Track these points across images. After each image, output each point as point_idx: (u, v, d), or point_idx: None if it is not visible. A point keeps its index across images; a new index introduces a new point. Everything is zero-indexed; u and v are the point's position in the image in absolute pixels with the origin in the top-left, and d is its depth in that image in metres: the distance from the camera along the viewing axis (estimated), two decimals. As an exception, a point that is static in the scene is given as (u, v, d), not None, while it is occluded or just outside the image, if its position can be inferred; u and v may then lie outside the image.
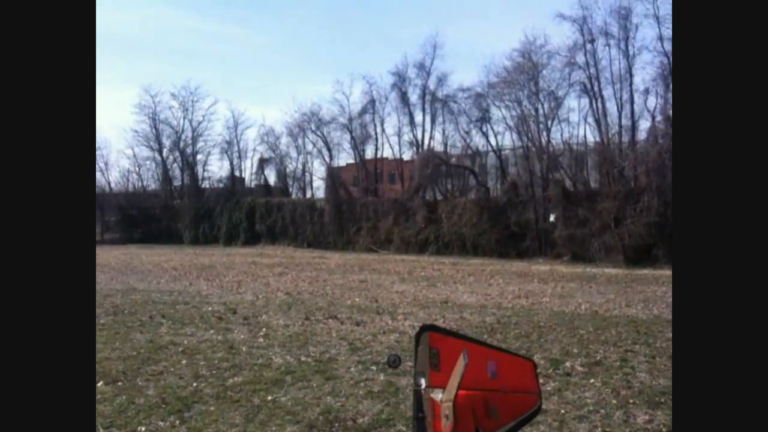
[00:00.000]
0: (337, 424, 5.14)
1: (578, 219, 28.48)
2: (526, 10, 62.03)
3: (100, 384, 6.33)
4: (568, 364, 7.19)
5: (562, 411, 5.43)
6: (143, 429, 5.09)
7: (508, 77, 34.13)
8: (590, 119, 32.52)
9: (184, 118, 49.28)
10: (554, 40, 32.80)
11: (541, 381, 6.33)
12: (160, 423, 5.21)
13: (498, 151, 36.39)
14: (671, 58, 25.69)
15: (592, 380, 6.47)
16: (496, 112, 35.95)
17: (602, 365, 7.16)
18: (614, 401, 5.73)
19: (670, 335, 9.18)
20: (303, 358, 7.49)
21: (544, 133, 33.19)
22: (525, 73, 33.07)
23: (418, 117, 40.16)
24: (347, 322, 10.13)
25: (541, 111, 33.19)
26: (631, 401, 5.72)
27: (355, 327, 9.73)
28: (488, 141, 36.67)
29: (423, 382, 2.33)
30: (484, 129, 36.54)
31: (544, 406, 5.53)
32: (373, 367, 7.05)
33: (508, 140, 36.57)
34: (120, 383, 6.40)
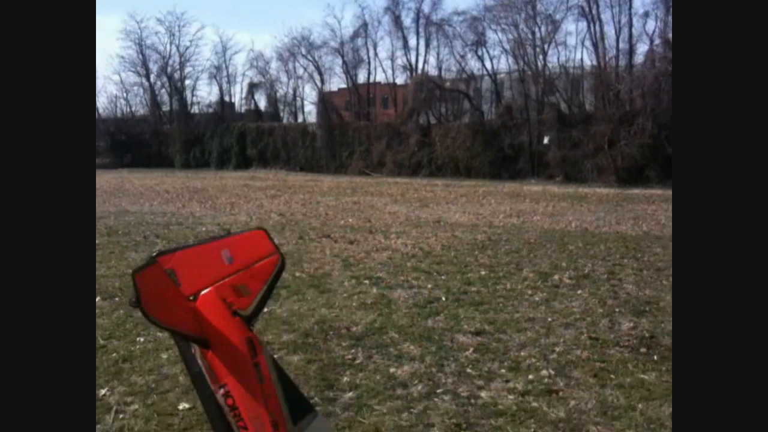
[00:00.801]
0: (331, 332, 5.28)
1: (572, 141, 28.44)
2: None
3: (98, 299, 6.44)
4: (556, 277, 7.35)
5: (549, 319, 5.59)
6: (142, 339, 5.22)
7: (505, 0, 33.18)
8: (588, 43, 32.03)
9: (171, 44, 48.11)
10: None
11: (529, 292, 6.57)
12: (159, 334, 5.33)
13: (493, 74, 35.80)
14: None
15: (579, 291, 6.64)
16: (492, 36, 35.38)
17: (590, 278, 7.33)
18: (600, 310, 5.90)
19: (658, 250, 9.37)
20: (297, 274, 7.61)
21: (541, 57, 32.67)
22: (522, -5, 32.20)
23: (412, 41, 39.42)
24: (340, 241, 10.24)
25: (538, 34, 32.63)
26: (616, 310, 5.90)
27: (348, 245, 9.85)
28: (483, 65, 36.09)
29: None
30: (480, 53, 35.92)
31: (531, 315, 5.75)
32: (366, 281, 7.19)
33: (503, 64, 36.04)
34: (117, 298, 6.51)
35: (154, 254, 2.19)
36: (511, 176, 29.60)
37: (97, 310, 6.04)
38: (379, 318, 5.72)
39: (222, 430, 2.11)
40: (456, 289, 6.78)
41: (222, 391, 2.09)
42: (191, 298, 2.14)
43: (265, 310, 6.02)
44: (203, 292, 2.15)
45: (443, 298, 6.39)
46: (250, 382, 2.13)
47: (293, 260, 8.54)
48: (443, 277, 7.40)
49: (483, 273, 7.64)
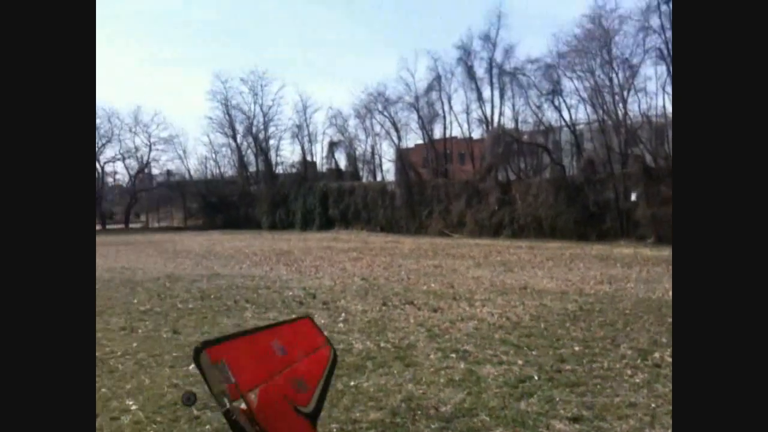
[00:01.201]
0: (419, 412, 5.16)
1: (661, 197, 27.06)
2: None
3: (191, 367, 6.64)
4: (657, 354, 6.90)
5: (653, 405, 5.22)
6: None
7: (579, 46, 32.30)
8: (669, 88, 30.48)
9: (255, 103, 50.57)
10: (626, 4, 31.05)
11: (629, 372, 6.19)
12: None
13: (572, 125, 34.80)
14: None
15: (684, 372, 6.18)
16: (567, 84, 34.24)
17: (695, 356, 6.83)
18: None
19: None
20: (382, 344, 7.58)
21: (621, 105, 31.43)
22: (596, 40, 31.30)
23: (486, 92, 38.88)
24: (424, 308, 10.15)
25: (615, 81, 31.40)
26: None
27: (433, 313, 9.74)
28: (561, 115, 35.05)
29: (226, 401, 2.21)
30: (556, 102, 34.90)
31: (632, 399, 5.39)
32: (453, 355, 7.04)
33: (582, 114, 34.88)
34: (211, 367, 6.70)
35: (199, 345, 2.18)
36: (598, 237, 28.47)
37: (190, 378, 6.23)
38: (469, 397, 5.55)
39: None
40: (548, 366, 6.50)
41: None
42: (250, 392, 2.10)
43: (352, 383, 6.02)
44: (261, 387, 2.11)
45: (535, 377, 6.13)
46: None
47: (378, 328, 8.54)
48: (534, 352, 7.13)
49: (577, 348, 7.30)
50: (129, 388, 5.95)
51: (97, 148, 50.72)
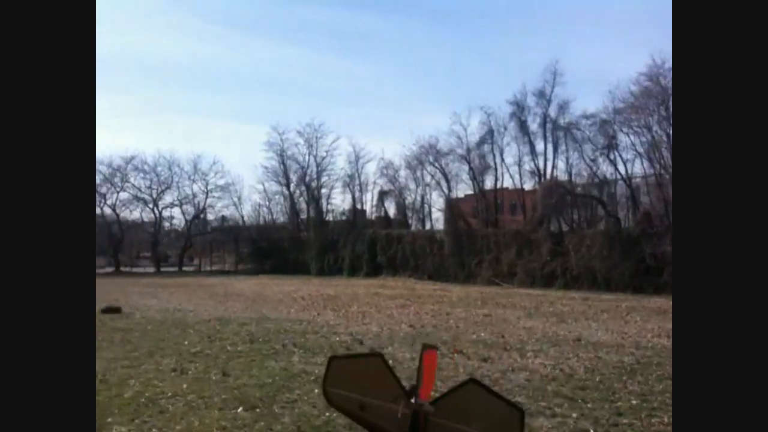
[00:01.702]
0: (469, 465, 4.98)
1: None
2: (651, 31, 58.92)
3: (239, 410, 6.66)
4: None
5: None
6: (282, 456, 5.26)
7: (636, 102, 32.35)
8: None
9: (309, 154, 51.84)
10: (686, 63, 30.62)
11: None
12: (297, 451, 5.35)
13: (628, 179, 34.40)
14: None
15: None
16: (623, 139, 34.09)
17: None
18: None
19: None
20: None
21: (679, 160, 30.93)
22: (654, 97, 31.20)
23: (539, 146, 39.04)
24: (474, 358, 9.92)
25: (673, 136, 31.13)
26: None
27: (482, 363, 9.51)
28: (616, 169, 34.78)
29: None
30: (612, 156, 34.69)
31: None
32: (504, 406, 6.81)
33: (638, 168, 34.44)
34: (258, 409, 6.69)
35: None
36: (656, 290, 27.41)
37: (238, 421, 6.23)
38: (521, 451, 5.34)
39: None
40: (605, 419, 6.21)
41: None
42: None
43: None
44: None
45: (591, 430, 5.86)
46: None
47: (426, 377, 8.37)
48: (589, 405, 6.83)
49: (634, 402, 6.96)
50: (178, 429, 5.98)
51: (156, 194, 52.79)
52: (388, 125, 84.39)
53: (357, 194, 50.10)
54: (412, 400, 3.21)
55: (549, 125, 38.32)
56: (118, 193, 51.59)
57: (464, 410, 3.14)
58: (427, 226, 46.18)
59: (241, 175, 76.79)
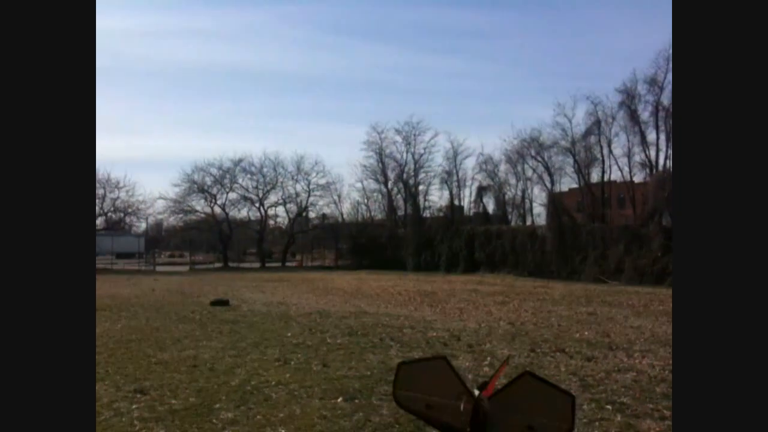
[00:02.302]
0: (572, 466, 4.79)
1: None
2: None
3: (339, 399, 6.82)
4: None
5: None
6: (378, 446, 5.32)
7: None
8: None
9: (407, 152, 52.21)
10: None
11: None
12: (394, 443, 5.39)
13: (749, 170, 31.80)
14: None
15: None
16: (742, 127, 31.66)
17: None
18: None
19: None
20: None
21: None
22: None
23: (651, 136, 36.97)
24: (576, 357, 9.54)
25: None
26: None
27: (586, 362, 9.12)
28: (737, 158, 32.29)
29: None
30: (729, 145, 32.27)
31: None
32: (609, 407, 6.50)
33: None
34: (357, 400, 6.81)
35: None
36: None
37: (338, 411, 6.37)
38: (627, 454, 5.07)
39: None
40: (723, 427, 5.75)
41: None
42: None
43: None
44: None
45: (706, 438, 5.44)
46: None
47: (526, 375, 8.15)
48: (704, 411, 6.35)
49: (757, 410, 6.39)
50: (281, 416, 6.21)
51: (262, 194, 55.23)
52: (488, 120, 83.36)
53: (455, 190, 49.85)
54: (474, 396, 3.41)
55: (662, 113, 36.15)
56: (227, 193, 54.48)
57: (521, 401, 3.41)
58: (528, 222, 45.05)
59: (341, 174, 78.99)
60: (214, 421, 6.05)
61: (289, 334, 11.83)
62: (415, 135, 51.69)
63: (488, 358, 9.35)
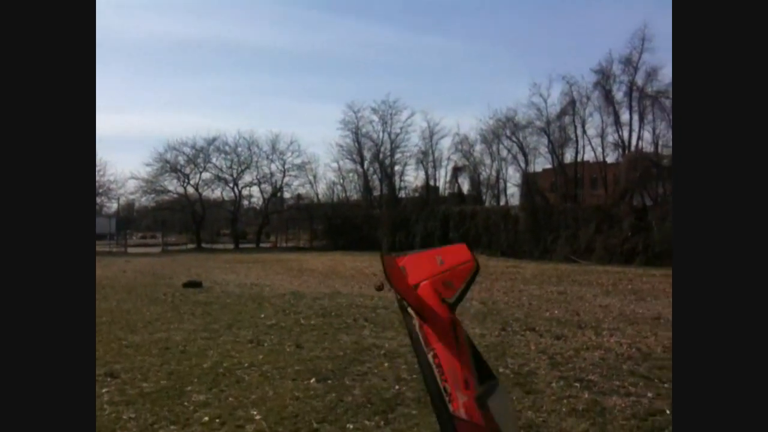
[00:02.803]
0: (539, 441, 4.92)
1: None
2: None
3: (312, 380, 6.86)
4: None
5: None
6: (351, 426, 5.38)
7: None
8: None
9: (384, 131, 51.96)
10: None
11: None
12: (366, 422, 5.46)
13: (719, 150, 32.46)
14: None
15: None
16: (715, 107, 32.22)
17: None
18: None
19: None
20: (501, 370, 7.34)
21: (777, 129, 28.80)
22: (751, 59, 29.20)
23: (624, 116, 37.30)
24: (546, 335, 9.73)
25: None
26: None
27: (555, 341, 9.31)
28: (707, 138, 32.90)
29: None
30: (702, 126, 32.84)
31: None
32: (576, 384, 6.66)
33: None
34: (329, 381, 6.86)
35: (386, 255, 3.07)
36: (745, 265, 25.87)
37: (311, 392, 6.42)
38: (592, 428, 5.24)
39: (431, 381, 2.88)
40: (684, 402, 5.94)
41: (431, 353, 2.91)
42: (415, 286, 3.05)
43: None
44: (423, 282, 3.08)
45: (668, 411, 5.63)
46: (450, 348, 2.91)
47: (496, 354, 8.30)
48: (666, 385, 6.55)
49: (717, 385, 6.61)
50: (254, 398, 6.23)
51: (236, 174, 54.62)
52: (464, 99, 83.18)
53: (430, 171, 49.88)
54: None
55: (636, 94, 36.55)
56: (200, 173, 53.75)
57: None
58: (502, 202, 45.41)
59: (317, 154, 78.42)
60: (186, 403, 6.05)
61: (263, 316, 11.83)
62: (391, 114, 51.44)
63: (460, 338, 9.47)
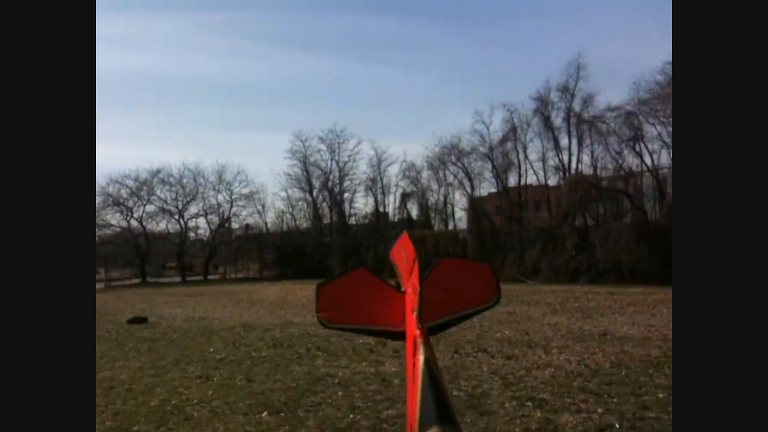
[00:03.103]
0: (494, 463, 4.95)
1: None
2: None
3: (264, 414, 6.71)
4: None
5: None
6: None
7: (662, 92, 31.97)
8: None
9: (332, 160, 52.12)
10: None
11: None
12: (320, 454, 5.37)
13: (654, 170, 33.96)
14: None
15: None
16: (649, 130, 33.80)
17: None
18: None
19: None
20: (455, 393, 7.37)
21: (707, 149, 30.47)
22: (680, 86, 30.95)
23: (564, 141, 38.77)
24: (498, 356, 9.85)
25: (701, 125, 30.68)
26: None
27: (507, 361, 9.43)
28: (642, 161, 34.42)
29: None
30: (637, 148, 34.35)
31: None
32: (529, 403, 6.75)
33: (665, 158, 34.01)
34: (282, 414, 6.73)
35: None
36: (683, 281, 26.98)
37: (263, 426, 6.28)
38: (546, 447, 5.29)
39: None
40: (630, 414, 6.12)
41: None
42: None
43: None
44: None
45: (617, 425, 5.79)
46: (409, 376, 2.24)
47: (450, 376, 8.32)
48: (615, 400, 6.73)
49: (661, 395, 6.84)
50: (203, 434, 6.05)
51: (182, 205, 53.43)
52: (410, 127, 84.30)
53: (379, 197, 50.23)
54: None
55: (573, 120, 38.04)
56: (144, 206, 52.36)
57: (446, 280, 3.09)
58: (450, 227, 46.07)
59: (265, 184, 77.62)
60: (132, 444, 5.81)
61: (212, 350, 11.52)
62: (339, 143, 51.73)
63: (414, 363, 9.47)
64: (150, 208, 52.82)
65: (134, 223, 51.84)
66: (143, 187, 51.81)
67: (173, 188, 53.33)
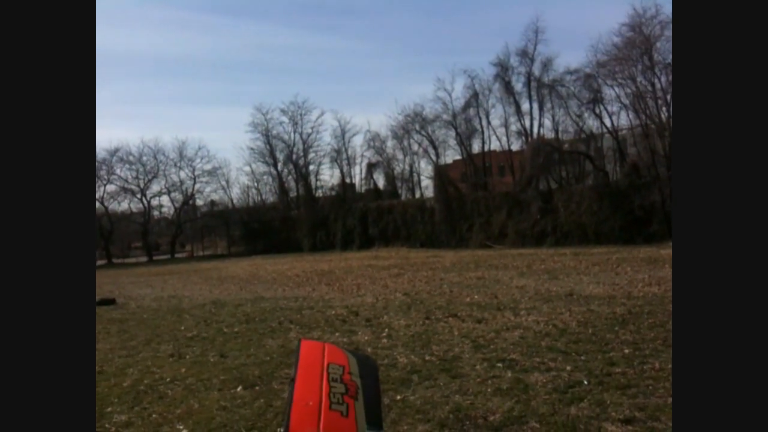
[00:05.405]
0: (467, 422, 5.07)
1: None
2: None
3: (239, 389, 6.71)
4: (713, 354, 6.63)
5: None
6: (282, 431, 5.31)
7: (619, 54, 32.40)
8: None
9: (295, 132, 51.63)
10: (667, 9, 30.51)
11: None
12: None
13: (614, 132, 34.56)
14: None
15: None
16: (608, 92, 34.42)
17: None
18: None
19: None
20: (427, 357, 7.50)
21: (664, 109, 31.03)
22: (637, 47, 31.25)
23: (525, 105, 39.24)
24: (468, 320, 10.02)
25: (658, 85, 31.16)
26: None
27: (477, 324, 9.60)
28: (602, 123, 35.06)
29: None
30: (597, 110, 34.98)
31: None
32: (499, 364, 6.91)
33: (624, 120, 34.69)
34: (257, 387, 6.74)
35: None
36: (645, 240, 27.75)
37: (238, 400, 6.28)
38: (517, 405, 5.43)
39: None
40: (598, 370, 6.31)
41: None
42: None
43: (399, 397, 5.96)
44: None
45: (585, 382, 5.96)
46: None
47: (422, 342, 8.46)
48: (582, 358, 6.94)
49: (627, 351, 7.08)
50: (179, 413, 6.02)
51: (143, 184, 52.38)
52: (373, 97, 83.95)
53: (345, 168, 50.09)
54: None
55: (533, 84, 38.36)
56: (105, 185, 51.29)
57: None
58: (417, 195, 46.27)
59: (228, 159, 76.59)
60: (107, 425, 5.76)
61: (183, 328, 11.43)
62: (301, 115, 51.22)
63: (386, 330, 9.59)
64: (111, 187, 51.81)
65: (96, 204, 50.69)
66: (102, 166, 50.62)
67: (133, 167, 52.35)
